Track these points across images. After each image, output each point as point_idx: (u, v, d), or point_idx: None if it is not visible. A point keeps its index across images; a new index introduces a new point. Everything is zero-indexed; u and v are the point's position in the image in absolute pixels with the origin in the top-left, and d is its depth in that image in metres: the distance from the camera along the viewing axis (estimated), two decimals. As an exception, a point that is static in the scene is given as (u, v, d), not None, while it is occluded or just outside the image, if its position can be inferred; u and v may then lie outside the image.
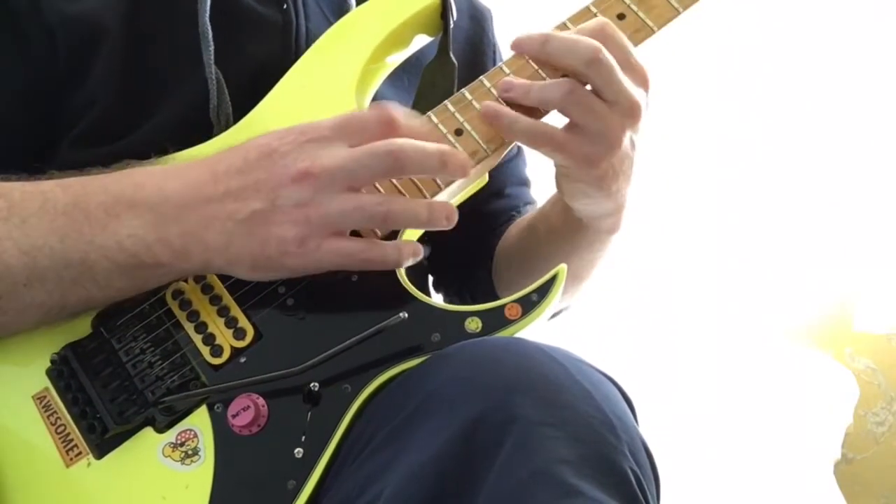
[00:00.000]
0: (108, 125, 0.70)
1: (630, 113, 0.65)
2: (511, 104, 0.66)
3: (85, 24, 0.69)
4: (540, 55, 0.67)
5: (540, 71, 0.68)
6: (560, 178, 0.72)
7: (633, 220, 0.77)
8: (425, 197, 0.65)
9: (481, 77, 0.69)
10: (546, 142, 0.65)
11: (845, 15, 1.96)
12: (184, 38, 0.71)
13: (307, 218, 0.57)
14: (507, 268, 0.90)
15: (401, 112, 0.61)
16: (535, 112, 0.67)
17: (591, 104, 0.64)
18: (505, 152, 0.69)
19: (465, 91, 0.68)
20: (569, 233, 0.79)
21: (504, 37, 0.95)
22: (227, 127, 0.71)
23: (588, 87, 0.65)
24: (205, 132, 0.70)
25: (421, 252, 0.62)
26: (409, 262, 0.62)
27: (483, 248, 0.91)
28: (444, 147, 0.61)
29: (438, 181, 0.65)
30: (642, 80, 0.66)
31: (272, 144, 0.59)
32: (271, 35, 0.75)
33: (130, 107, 0.71)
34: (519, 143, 0.71)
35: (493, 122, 0.66)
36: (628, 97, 0.64)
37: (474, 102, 0.67)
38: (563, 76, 0.66)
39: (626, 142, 0.66)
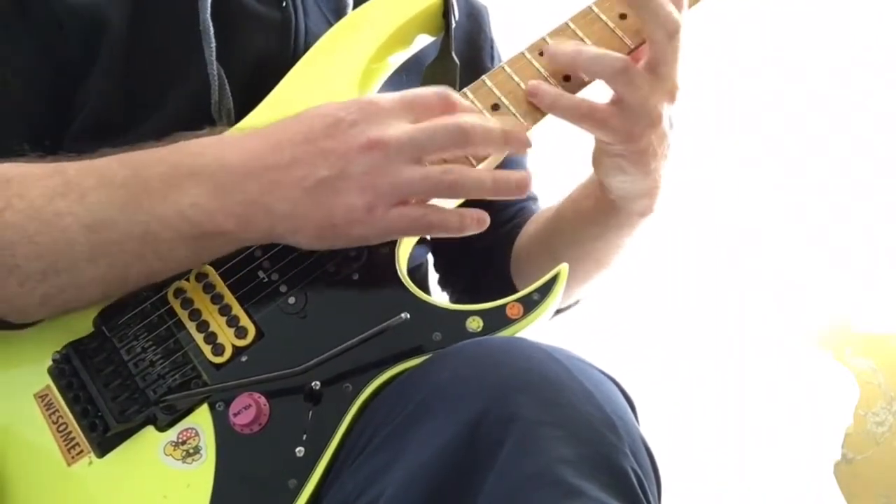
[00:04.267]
0: (109, 119, 0.70)
1: (672, 90, 0.66)
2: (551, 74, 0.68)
3: (89, 18, 0.69)
4: (634, 12, 0.68)
5: (540, 67, 0.68)
6: (599, 153, 0.72)
7: (664, 204, 0.77)
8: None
9: (483, 77, 0.69)
10: (587, 117, 0.66)
11: (846, 15, 1.96)
12: (185, 34, 0.71)
13: (375, 186, 0.58)
14: (528, 261, 0.90)
15: (457, 95, 0.63)
16: (573, 83, 0.68)
17: (640, 81, 0.65)
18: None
19: (468, 91, 0.69)
20: (599, 215, 0.79)
21: (501, 33, 0.95)
22: (228, 123, 0.71)
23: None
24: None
25: (486, 220, 0.63)
26: (473, 230, 0.62)
27: (491, 242, 0.91)
28: (507, 125, 0.64)
29: (471, 159, 0.66)
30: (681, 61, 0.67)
31: (338, 114, 0.59)
32: (270, 32, 0.75)
33: (132, 101, 0.71)
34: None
35: (535, 98, 0.67)
36: (675, 76, 0.66)
37: (476, 102, 0.67)
38: (566, 79, 0.67)
39: (665, 119, 0.67)
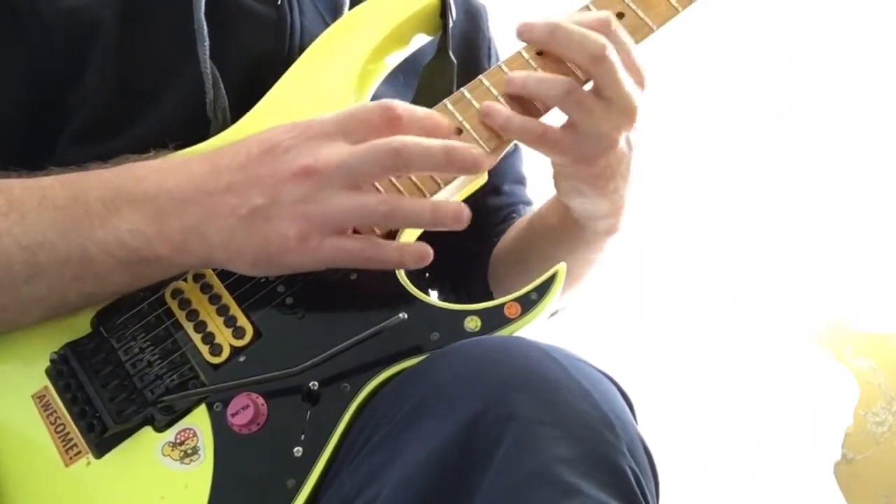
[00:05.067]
0: (104, 121, 0.70)
1: (627, 113, 0.64)
2: (512, 101, 0.66)
3: (80, 20, 0.69)
4: (546, 45, 0.66)
5: (538, 67, 0.68)
6: (556, 175, 0.72)
7: (630, 221, 0.76)
8: (424, 195, 0.65)
9: (480, 76, 0.69)
10: (539, 140, 0.65)
11: (846, 15, 1.96)
12: (178, 33, 0.71)
13: (308, 215, 0.57)
14: (503, 268, 0.90)
15: (403, 106, 0.60)
16: (535, 109, 0.67)
17: (589, 105, 0.64)
18: (504, 151, 0.69)
19: (465, 90, 0.68)
20: (566, 233, 0.79)
21: (499, 33, 0.95)
22: (223, 122, 0.71)
23: (587, 84, 0.65)
24: (202, 128, 0.70)
25: (429, 255, 0.61)
26: (414, 265, 0.61)
27: (480, 245, 0.91)
28: (450, 142, 0.59)
29: (437, 179, 0.65)
30: (640, 80, 0.66)
31: (274, 139, 0.58)
32: (266, 31, 0.75)
33: (126, 103, 0.71)
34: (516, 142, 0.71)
35: (487, 119, 0.66)
36: (626, 98, 0.64)
37: (473, 101, 0.67)
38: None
39: (622, 142, 0.66)
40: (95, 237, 0.58)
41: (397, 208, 0.58)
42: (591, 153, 0.66)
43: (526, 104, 0.67)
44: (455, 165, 0.59)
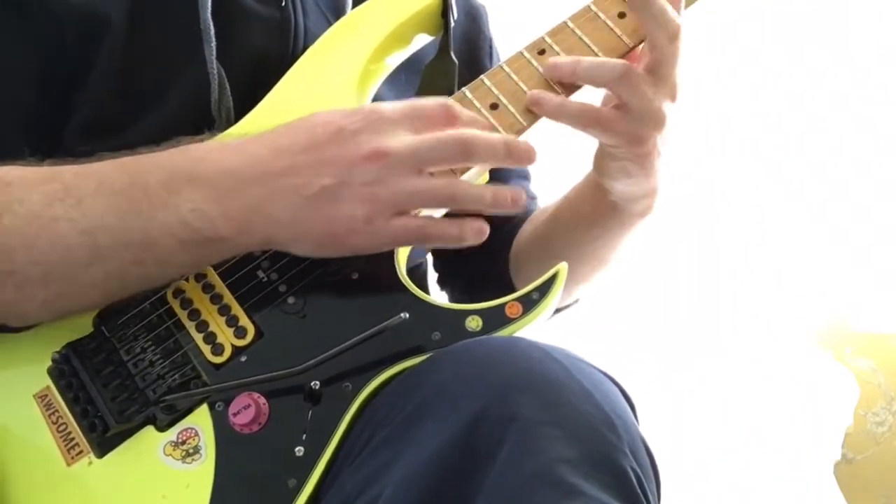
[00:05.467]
0: (109, 117, 0.70)
1: (673, 90, 0.67)
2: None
3: (88, 17, 0.69)
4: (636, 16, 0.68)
5: (539, 67, 0.68)
6: (603, 158, 0.73)
7: (663, 203, 0.77)
8: None
9: (482, 76, 0.69)
10: (596, 122, 0.67)
11: (846, 15, 1.96)
12: (184, 33, 0.71)
13: (376, 196, 0.58)
14: (528, 261, 0.90)
15: (459, 106, 0.63)
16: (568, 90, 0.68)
17: (642, 86, 0.65)
18: None
19: (466, 90, 0.69)
20: (600, 217, 0.79)
21: (499, 33, 0.95)
22: (227, 121, 0.71)
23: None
24: (206, 127, 0.70)
25: (486, 232, 0.63)
26: (472, 241, 0.62)
27: (496, 243, 0.91)
28: (509, 137, 0.63)
29: (455, 170, 0.65)
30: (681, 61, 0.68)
31: (340, 122, 0.59)
32: (270, 32, 0.75)
33: (131, 100, 0.71)
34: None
35: (536, 107, 0.67)
36: (675, 76, 0.67)
37: (475, 101, 0.68)
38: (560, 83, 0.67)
39: (669, 119, 0.68)
40: (157, 219, 0.58)
41: (461, 192, 0.61)
42: (643, 132, 0.67)
43: (549, 90, 0.68)
44: (514, 157, 0.62)
